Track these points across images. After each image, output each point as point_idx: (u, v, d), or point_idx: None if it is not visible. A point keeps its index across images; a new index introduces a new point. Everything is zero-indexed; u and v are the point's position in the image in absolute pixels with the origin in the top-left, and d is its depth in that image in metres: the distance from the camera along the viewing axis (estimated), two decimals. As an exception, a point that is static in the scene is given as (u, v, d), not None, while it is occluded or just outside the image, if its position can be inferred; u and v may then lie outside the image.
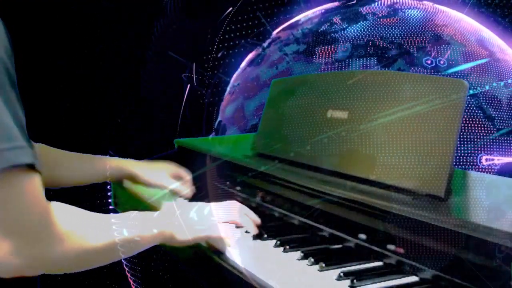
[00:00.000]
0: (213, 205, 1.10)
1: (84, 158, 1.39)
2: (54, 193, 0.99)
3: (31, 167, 0.77)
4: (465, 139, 1.89)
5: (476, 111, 1.94)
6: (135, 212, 1.00)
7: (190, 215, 1.05)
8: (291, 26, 2.53)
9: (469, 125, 1.91)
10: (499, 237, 0.76)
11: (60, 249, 0.81)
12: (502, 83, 2.00)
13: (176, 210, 1.05)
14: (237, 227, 1.12)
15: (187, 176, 1.49)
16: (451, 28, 2.16)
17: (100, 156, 1.43)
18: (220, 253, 1.04)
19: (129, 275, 2.52)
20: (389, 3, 2.32)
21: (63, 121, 2.38)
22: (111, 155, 1.56)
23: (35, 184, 0.78)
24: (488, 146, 1.91)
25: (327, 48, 2.22)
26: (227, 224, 1.09)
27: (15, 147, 0.75)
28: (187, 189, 1.44)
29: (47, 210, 0.80)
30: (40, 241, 0.79)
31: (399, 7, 2.29)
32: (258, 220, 1.14)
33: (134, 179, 1.44)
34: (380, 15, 2.26)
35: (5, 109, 0.75)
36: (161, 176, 1.45)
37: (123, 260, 2.45)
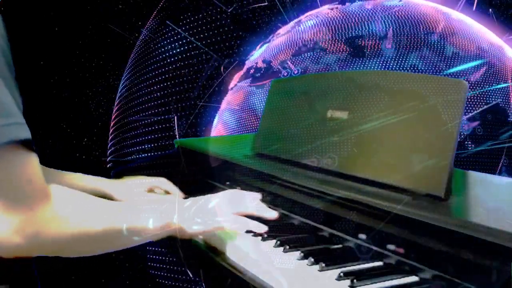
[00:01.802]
0: (222, 196, 1.07)
1: (57, 175, 1.31)
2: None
3: (28, 145, 0.77)
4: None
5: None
6: (144, 200, 0.98)
7: (198, 207, 1.03)
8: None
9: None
10: (499, 237, 0.76)
11: (57, 229, 0.81)
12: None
13: (184, 202, 1.03)
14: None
15: (165, 184, 1.43)
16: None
17: (73, 173, 1.34)
18: (220, 253, 1.04)
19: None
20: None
21: (63, 121, 2.38)
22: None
23: (33, 162, 0.78)
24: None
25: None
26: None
27: (14, 123, 0.75)
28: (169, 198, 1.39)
29: (45, 189, 0.80)
30: (38, 220, 0.78)
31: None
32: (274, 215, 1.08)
33: (109, 198, 1.37)
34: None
35: (3, 87, 0.75)
36: (136, 193, 1.38)
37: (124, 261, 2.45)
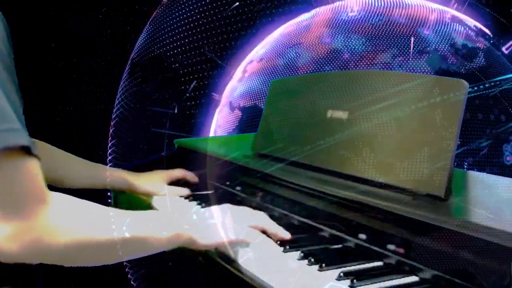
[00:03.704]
0: (234, 208, 1.08)
1: (87, 164, 1.40)
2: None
3: (26, 151, 0.75)
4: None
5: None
6: (152, 211, 0.98)
7: (208, 218, 1.02)
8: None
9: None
10: (499, 237, 0.76)
11: (56, 238, 0.79)
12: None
13: (193, 212, 1.03)
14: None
15: (180, 174, 1.53)
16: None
17: (103, 165, 1.45)
18: (219, 252, 1.04)
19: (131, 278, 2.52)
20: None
21: (62, 121, 2.38)
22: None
23: (30, 168, 0.76)
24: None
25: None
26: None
27: (8, 129, 0.73)
28: (184, 190, 1.47)
29: (44, 196, 0.78)
30: (36, 227, 0.77)
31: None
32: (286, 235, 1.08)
33: (132, 191, 1.45)
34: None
35: (0, 92, 0.74)
36: (157, 185, 1.47)
37: (126, 263, 2.45)
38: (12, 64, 0.80)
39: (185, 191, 1.47)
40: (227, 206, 1.09)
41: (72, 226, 0.81)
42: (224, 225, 1.02)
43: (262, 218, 1.08)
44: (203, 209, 1.07)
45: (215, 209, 1.07)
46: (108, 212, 0.90)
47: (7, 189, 0.74)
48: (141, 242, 0.91)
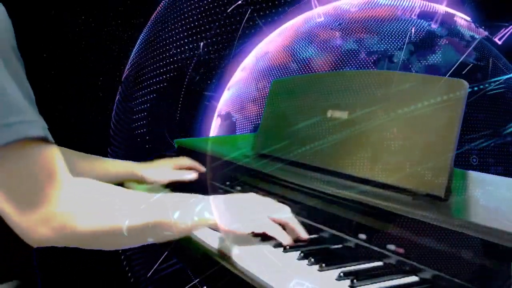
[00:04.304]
0: (257, 198, 1.07)
1: (94, 159, 1.41)
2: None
3: (43, 140, 0.77)
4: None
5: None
6: (180, 194, 0.97)
7: (234, 205, 1.01)
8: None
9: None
10: (499, 237, 0.76)
11: (83, 223, 0.80)
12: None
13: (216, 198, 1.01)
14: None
15: (188, 162, 1.57)
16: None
17: (108, 158, 1.47)
18: (220, 252, 1.04)
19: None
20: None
21: (62, 122, 2.38)
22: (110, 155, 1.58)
23: (48, 157, 0.78)
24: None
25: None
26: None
27: (24, 120, 0.75)
28: (192, 173, 1.51)
29: (64, 182, 0.80)
30: (62, 213, 0.79)
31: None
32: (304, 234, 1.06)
33: (140, 181, 1.47)
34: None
35: (13, 84, 0.75)
36: (166, 172, 1.50)
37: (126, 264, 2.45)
38: (20, 56, 0.81)
39: (193, 174, 1.50)
40: (250, 195, 1.07)
41: (96, 211, 0.83)
42: (245, 214, 1.00)
43: (285, 212, 1.05)
44: (225, 195, 1.05)
45: (238, 196, 1.07)
46: (132, 195, 0.91)
47: (23, 179, 0.76)
48: (167, 227, 0.91)
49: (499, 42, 2.10)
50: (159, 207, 0.90)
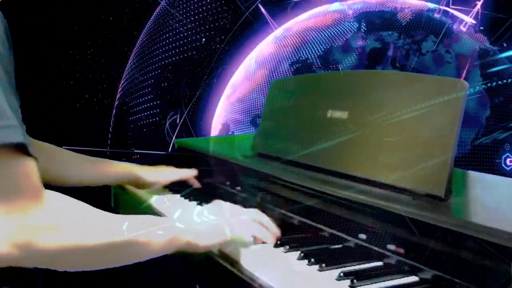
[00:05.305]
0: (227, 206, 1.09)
1: (93, 161, 1.39)
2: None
3: (22, 149, 0.74)
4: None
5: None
6: (149, 216, 0.95)
7: (203, 217, 1.02)
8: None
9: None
10: (499, 237, 0.76)
11: (50, 240, 0.76)
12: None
13: (191, 213, 1.02)
14: None
15: (187, 175, 1.52)
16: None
17: (108, 159, 1.43)
18: (220, 252, 1.04)
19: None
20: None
21: (62, 122, 2.38)
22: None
23: (27, 167, 0.75)
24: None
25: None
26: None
27: (5, 126, 0.72)
28: (191, 172, 1.49)
29: (38, 195, 0.76)
30: (30, 228, 0.74)
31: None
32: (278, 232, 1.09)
33: (140, 184, 1.45)
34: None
35: None
36: (166, 173, 1.48)
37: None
38: (11, 64, 0.80)
39: (193, 172, 1.49)
40: (218, 202, 1.09)
41: (67, 227, 0.79)
42: (224, 223, 1.01)
43: (259, 213, 1.09)
44: (201, 208, 1.06)
45: (212, 207, 1.07)
46: (104, 215, 0.87)
47: (1, 187, 0.73)
48: (137, 247, 0.88)
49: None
50: (131, 228, 0.87)
